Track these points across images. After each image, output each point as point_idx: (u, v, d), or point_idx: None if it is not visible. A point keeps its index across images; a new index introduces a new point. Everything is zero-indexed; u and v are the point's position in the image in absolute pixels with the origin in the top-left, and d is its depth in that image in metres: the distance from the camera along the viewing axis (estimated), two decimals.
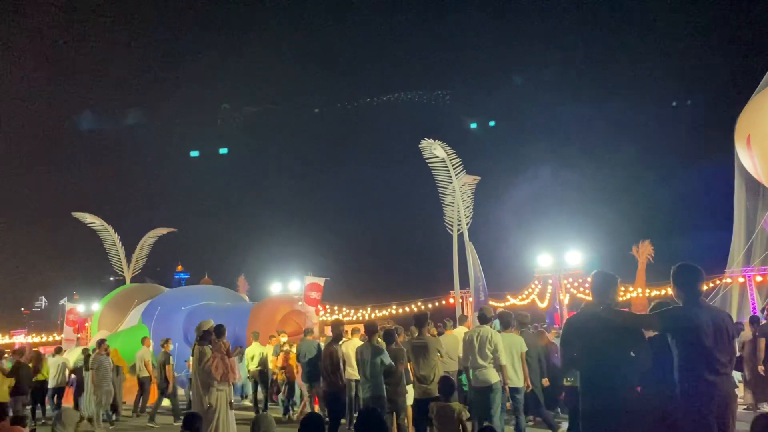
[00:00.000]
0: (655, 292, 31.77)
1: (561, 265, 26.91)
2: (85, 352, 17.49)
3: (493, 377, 8.45)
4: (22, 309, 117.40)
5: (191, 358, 11.89)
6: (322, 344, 11.81)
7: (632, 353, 4.70)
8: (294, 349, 13.54)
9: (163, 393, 14.57)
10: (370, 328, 9.37)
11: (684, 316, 4.59)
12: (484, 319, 8.93)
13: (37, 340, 44.66)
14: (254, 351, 14.79)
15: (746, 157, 21.50)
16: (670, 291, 5.07)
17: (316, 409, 12.29)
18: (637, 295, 32.84)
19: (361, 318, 37.77)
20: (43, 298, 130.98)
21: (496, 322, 9.67)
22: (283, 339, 14.93)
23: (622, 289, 29.66)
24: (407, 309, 37.17)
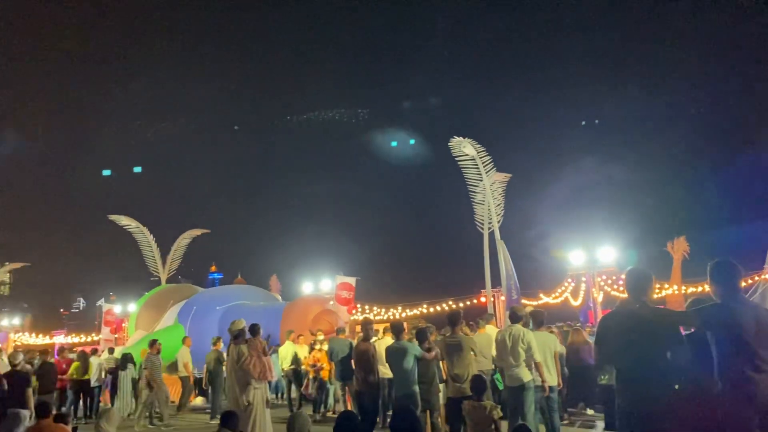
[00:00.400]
0: (691, 289, 31.15)
1: (594, 262, 26.54)
2: (111, 352, 17.87)
3: (526, 376, 8.41)
4: (62, 310, 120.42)
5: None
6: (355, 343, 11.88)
7: (669, 351, 4.65)
8: (325, 347, 13.67)
9: (204, 391, 14.71)
10: (398, 328, 9.40)
11: (723, 312, 4.51)
12: (515, 318, 8.88)
13: (76, 340, 45.70)
14: (288, 350, 14.95)
15: None
16: (706, 288, 5.00)
17: (350, 407, 12.38)
18: (672, 292, 32.24)
19: (391, 317, 37.80)
20: (81, 299, 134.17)
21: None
22: (320, 337, 15.03)
23: (658, 286, 29.17)
24: (438, 308, 37.06)
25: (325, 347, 13.60)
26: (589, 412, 12.33)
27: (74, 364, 15.59)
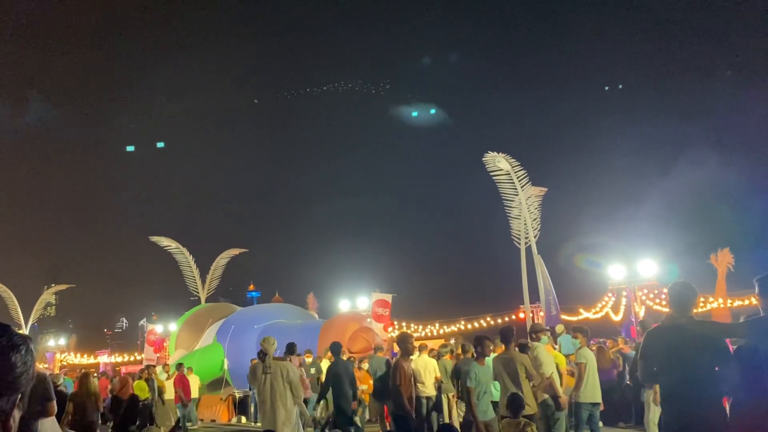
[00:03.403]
0: (737, 303, 30.28)
1: (634, 275, 26.01)
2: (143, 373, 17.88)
3: (542, 394, 8.34)
4: (105, 330, 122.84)
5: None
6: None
7: (717, 366, 4.52)
8: (364, 366, 13.59)
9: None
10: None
11: None
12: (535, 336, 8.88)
13: (119, 360, 46.55)
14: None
15: None
16: (754, 301, 4.87)
17: (388, 426, 12.28)
18: (717, 305, 31.35)
19: (429, 334, 37.55)
20: (124, 319, 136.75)
21: (566, 337, 9.51)
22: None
23: (702, 299, 28.43)
24: (476, 324, 36.71)
25: (365, 366, 13.53)
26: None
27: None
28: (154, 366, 16.22)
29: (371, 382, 12.89)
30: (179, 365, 16.00)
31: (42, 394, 5.60)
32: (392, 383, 9.11)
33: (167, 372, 16.69)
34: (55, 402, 5.73)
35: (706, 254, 32.55)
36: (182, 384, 15.41)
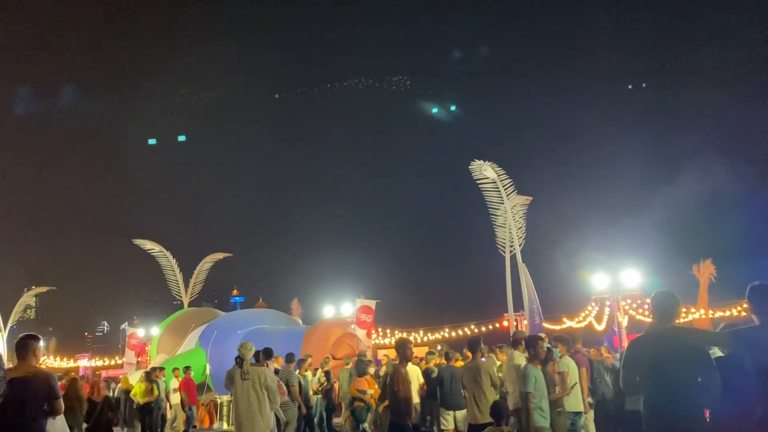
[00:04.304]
0: (719, 314, 30.54)
1: (618, 285, 26.18)
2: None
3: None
4: (86, 333, 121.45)
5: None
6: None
7: (700, 377, 4.52)
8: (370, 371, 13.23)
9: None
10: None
11: (762, 336, 4.38)
12: (516, 344, 8.89)
13: (99, 363, 46.00)
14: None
15: None
16: (734, 312, 4.90)
17: None
18: (699, 316, 31.61)
19: (413, 341, 37.51)
20: (106, 322, 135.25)
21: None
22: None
23: (684, 310, 28.66)
24: (460, 332, 36.72)
25: (371, 370, 13.22)
26: None
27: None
28: (162, 369, 15.96)
29: (376, 386, 12.47)
30: (186, 368, 15.78)
31: (47, 393, 5.52)
32: (391, 390, 8.51)
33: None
34: (61, 400, 5.63)
35: (689, 265, 32.86)
36: (188, 387, 15.21)
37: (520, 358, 8.65)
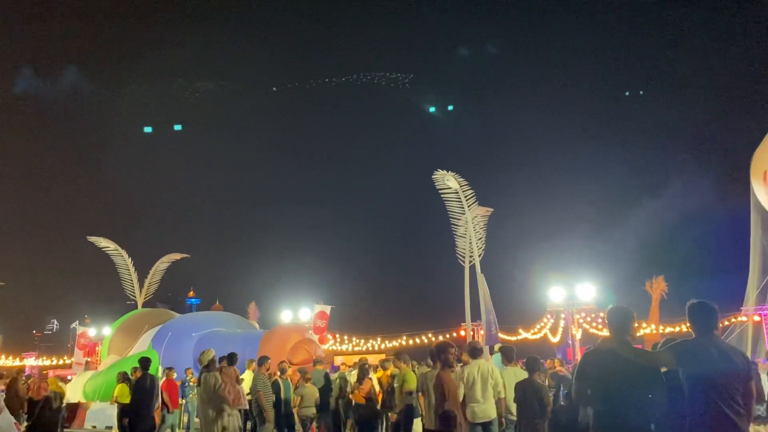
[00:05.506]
0: (669, 329, 31.35)
1: (573, 299, 26.66)
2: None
3: (494, 412, 8.42)
4: (34, 331, 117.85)
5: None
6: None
7: (650, 393, 4.62)
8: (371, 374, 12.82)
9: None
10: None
11: (694, 349, 4.54)
12: (476, 353, 8.89)
13: (47, 363, 44.69)
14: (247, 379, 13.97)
15: (763, 194, 21.34)
16: (684, 328, 5.05)
17: None
18: (651, 331, 32.42)
19: (371, 348, 37.48)
20: (55, 321, 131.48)
21: (496, 356, 9.59)
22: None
23: (635, 324, 29.39)
24: (418, 340, 36.86)
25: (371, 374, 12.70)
26: None
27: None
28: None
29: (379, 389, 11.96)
30: (168, 369, 15.36)
31: None
32: (437, 399, 7.60)
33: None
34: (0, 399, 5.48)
35: (642, 281, 33.69)
36: (169, 389, 14.76)
37: (490, 366, 8.78)
